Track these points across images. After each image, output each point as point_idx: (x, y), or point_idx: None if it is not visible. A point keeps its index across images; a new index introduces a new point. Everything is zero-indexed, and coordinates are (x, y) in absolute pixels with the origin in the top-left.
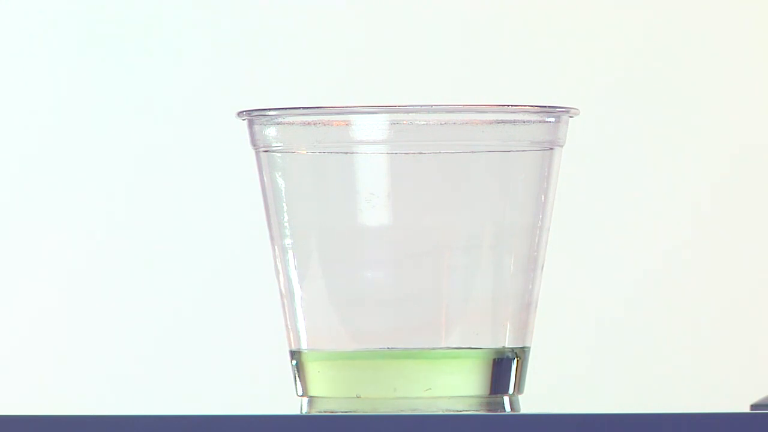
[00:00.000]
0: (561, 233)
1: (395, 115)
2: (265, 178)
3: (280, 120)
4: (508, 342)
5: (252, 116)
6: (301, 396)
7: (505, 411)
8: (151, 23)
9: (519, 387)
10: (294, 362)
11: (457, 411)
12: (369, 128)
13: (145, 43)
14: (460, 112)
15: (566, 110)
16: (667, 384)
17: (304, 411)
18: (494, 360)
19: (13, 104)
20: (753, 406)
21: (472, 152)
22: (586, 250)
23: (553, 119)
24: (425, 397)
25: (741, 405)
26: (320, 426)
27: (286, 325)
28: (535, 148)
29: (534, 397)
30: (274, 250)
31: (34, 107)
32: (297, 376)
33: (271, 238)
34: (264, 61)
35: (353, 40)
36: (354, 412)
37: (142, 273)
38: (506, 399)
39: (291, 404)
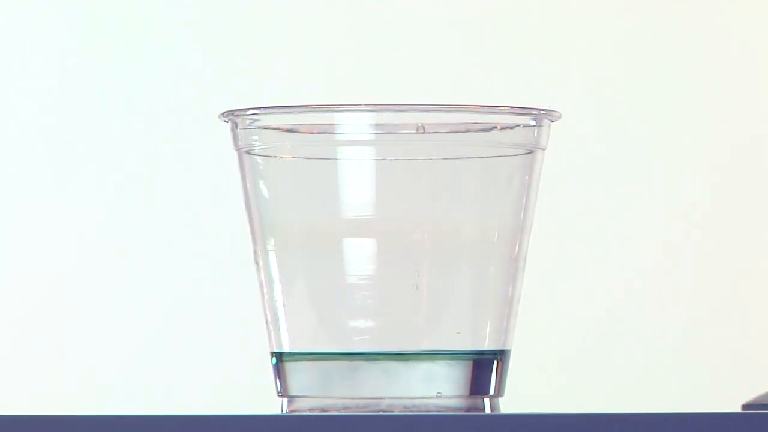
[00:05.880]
0: (545, 236)
1: (377, 114)
2: (247, 179)
3: (262, 121)
4: (488, 344)
5: (235, 117)
6: (281, 396)
7: (484, 412)
8: (136, 23)
9: (499, 389)
10: (275, 362)
11: (436, 412)
12: (352, 129)
13: (130, 42)
14: (440, 111)
15: (548, 113)
16: (658, 384)
17: (285, 411)
18: (475, 362)
19: None
20: (744, 406)
21: (455, 155)
22: (570, 252)
23: (534, 122)
24: (409, 397)
25: (733, 405)
26: (304, 426)
27: (268, 327)
28: (517, 152)
29: (519, 399)
30: (255, 251)
31: (14, 108)
32: (278, 376)
33: (253, 239)
34: (247, 61)
35: (335, 42)
36: (340, 412)
37: (123, 275)
38: (486, 401)
39: (271, 404)
